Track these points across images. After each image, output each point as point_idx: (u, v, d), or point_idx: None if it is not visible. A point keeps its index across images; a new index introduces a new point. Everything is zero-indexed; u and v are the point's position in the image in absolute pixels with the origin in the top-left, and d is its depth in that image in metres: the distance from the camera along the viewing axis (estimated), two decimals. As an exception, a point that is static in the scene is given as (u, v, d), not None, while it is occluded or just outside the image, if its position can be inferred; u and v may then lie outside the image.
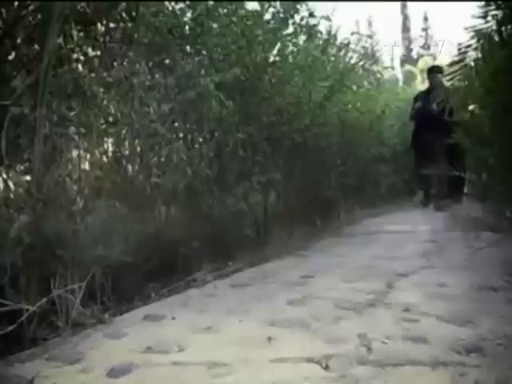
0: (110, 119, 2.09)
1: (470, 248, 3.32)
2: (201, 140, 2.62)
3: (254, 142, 3.16)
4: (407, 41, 28.47)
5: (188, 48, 2.40)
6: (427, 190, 6.96)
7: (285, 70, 3.36)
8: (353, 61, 5.95)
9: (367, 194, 7.18)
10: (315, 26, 3.60)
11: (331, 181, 5.49)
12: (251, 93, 3.05)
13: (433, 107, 6.24)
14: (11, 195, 1.60)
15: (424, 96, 6.88)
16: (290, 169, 4.25)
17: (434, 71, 6.89)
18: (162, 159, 2.36)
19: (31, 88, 1.60)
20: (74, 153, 1.92)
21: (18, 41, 1.58)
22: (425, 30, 28.81)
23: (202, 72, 2.31)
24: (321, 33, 3.81)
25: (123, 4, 2.05)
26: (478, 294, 2.22)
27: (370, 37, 12.06)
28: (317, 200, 5.15)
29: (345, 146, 5.46)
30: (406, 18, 27.81)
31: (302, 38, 3.56)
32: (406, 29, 28.59)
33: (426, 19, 28.25)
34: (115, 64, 2.07)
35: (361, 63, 5.65)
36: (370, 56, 9.10)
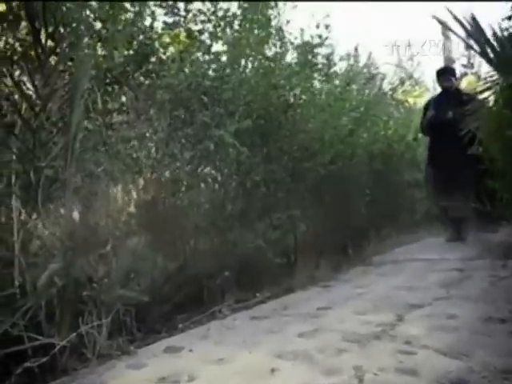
0: (136, 169, 2.33)
1: (494, 277, 3.37)
2: (222, 182, 2.84)
3: (276, 179, 3.35)
4: (450, 62, 28.20)
5: (205, 99, 2.63)
6: (453, 222, 5.79)
7: (306, 109, 3.55)
8: (386, 89, 6.13)
9: (402, 220, 7.23)
10: (334, 66, 3.79)
11: (361, 209, 5.60)
12: (272, 133, 3.25)
13: (449, 115, 5.23)
14: (45, 243, 1.85)
15: (437, 102, 5.67)
16: (318, 199, 4.41)
17: (446, 73, 5.79)
18: (187, 201, 2.58)
19: (63, 149, 1.86)
20: (103, 200, 2.17)
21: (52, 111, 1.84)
22: (467, 48, 28.33)
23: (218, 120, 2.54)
24: (337, 74, 3.99)
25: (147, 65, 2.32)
26: (485, 325, 2.30)
27: (410, 59, 12.03)
28: (348, 228, 5.27)
29: (376, 174, 5.59)
30: (446, 38, 27.59)
31: (321, 79, 3.75)
32: (447, 50, 28.34)
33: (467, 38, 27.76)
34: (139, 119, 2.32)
35: (390, 93, 5.81)
36: (408, 80, 9.19)
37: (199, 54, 3.09)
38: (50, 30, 1.78)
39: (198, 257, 2.93)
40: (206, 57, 2.83)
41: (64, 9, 1.78)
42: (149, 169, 2.37)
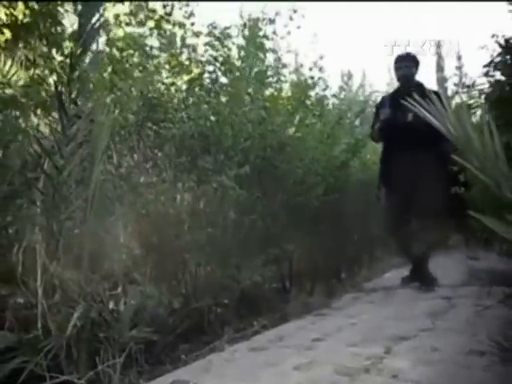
0: (143, 212, 2.53)
1: (479, 306, 3.57)
2: (222, 221, 3.04)
3: (272, 214, 3.56)
4: (442, 80, 28.64)
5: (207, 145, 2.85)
6: (412, 259, 4.74)
7: (300, 147, 3.78)
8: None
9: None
10: (327, 105, 4.02)
11: (354, 234, 5.82)
12: (268, 171, 3.47)
13: (409, 117, 3.99)
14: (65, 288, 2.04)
15: (393, 100, 4.26)
16: (312, 228, 4.62)
17: (403, 60, 4.31)
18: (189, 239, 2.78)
19: (83, 203, 2.05)
20: (115, 245, 2.37)
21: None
22: (458, 68, 28.82)
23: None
24: (330, 111, 4.23)
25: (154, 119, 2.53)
26: (465, 359, 2.49)
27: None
28: (341, 254, 5.48)
29: (366, 199, 5.80)
30: (439, 57, 28.04)
31: (314, 118, 3.98)
32: (440, 68, 28.80)
33: (459, 58, 28.29)
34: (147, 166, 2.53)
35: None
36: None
37: (202, 94, 3.30)
38: (73, 95, 1.99)
39: (199, 290, 3.12)
40: (206, 105, 3.05)
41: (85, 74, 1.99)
42: (155, 212, 2.57)
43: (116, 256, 2.40)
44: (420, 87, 4.20)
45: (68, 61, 2.23)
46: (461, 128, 1.59)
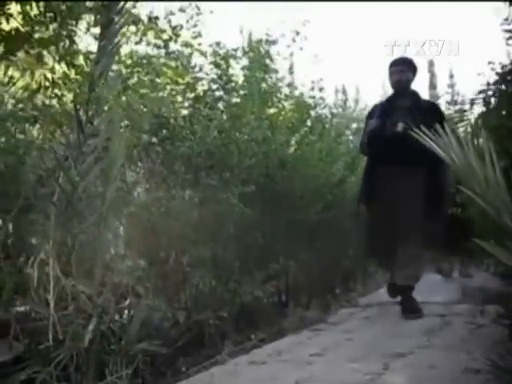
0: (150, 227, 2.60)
1: (473, 325, 3.65)
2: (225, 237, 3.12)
3: (273, 231, 3.64)
4: (435, 98, 29.02)
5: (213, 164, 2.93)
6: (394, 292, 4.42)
7: (300, 165, 3.87)
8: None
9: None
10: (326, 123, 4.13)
11: (349, 250, 5.91)
12: (270, 189, 3.55)
13: (398, 127, 3.66)
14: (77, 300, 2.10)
15: (383, 109, 3.91)
16: (309, 243, 4.70)
17: (398, 64, 3.89)
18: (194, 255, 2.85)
19: (97, 218, 2.12)
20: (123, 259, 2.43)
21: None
22: (451, 86, 29.27)
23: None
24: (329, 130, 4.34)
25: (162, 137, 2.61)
26: (461, 376, 2.56)
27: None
28: (336, 269, 5.56)
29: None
30: (432, 75, 28.44)
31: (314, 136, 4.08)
32: (432, 86, 29.18)
33: (451, 76, 28.70)
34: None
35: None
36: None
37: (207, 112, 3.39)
38: (90, 114, 2.06)
39: (201, 304, 3.18)
40: (210, 123, 3.13)
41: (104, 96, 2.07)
42: (161, 227, 2.64)
43: (123, 269, 2.46)
44: (415, 96, 3.95)
45: (80, 77, 2.31)
46: (463, 157, 1.67)
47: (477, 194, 1.60)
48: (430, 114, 3.60)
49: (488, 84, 3.51)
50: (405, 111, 3.78)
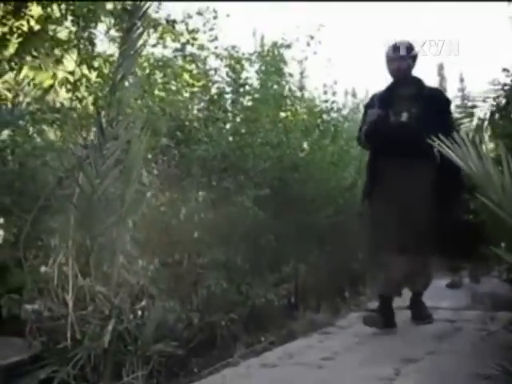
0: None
1: (483, 331, 3.65)
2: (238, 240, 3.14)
3: (285, 234, 3.66)
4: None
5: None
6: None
7: (312, 168, 3.89)
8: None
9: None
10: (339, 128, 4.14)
11: (358, 254, 5.91)
12: (283, 192, 3.57)
13: (403, 117, 3.36)
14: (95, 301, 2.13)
15: (384, 98, 3.54)
16: (319, 247, 4.71)
17: (398, 51, 3.57)
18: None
19: (116, 220, 2.14)
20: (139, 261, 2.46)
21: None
22: (461, 90, 29.27)
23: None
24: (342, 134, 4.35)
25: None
26: (472, 382, 2.57)
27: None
28: (346, 272, 5.56)
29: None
30: (442, 79, 28.35)
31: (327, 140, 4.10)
32: (443, 89, 29.24)
33: (461, 80, 28.60)
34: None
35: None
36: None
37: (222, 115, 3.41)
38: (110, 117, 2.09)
39: (213, 306, 3.21)
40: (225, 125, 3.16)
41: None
42: (175, 230, 2.67)
43: (138, 271, 2.48)
44: (418, 83, 3.60)
45: (100, 80, 2.34)
46: (481, 165, 1.68)
47: (493, 201, 1.61)
48: (434, 101, 3.44)
49: (502, 87, 3.49)
50: (408, 100, 3.46)
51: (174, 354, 2.75)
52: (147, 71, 3.06)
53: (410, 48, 3.66)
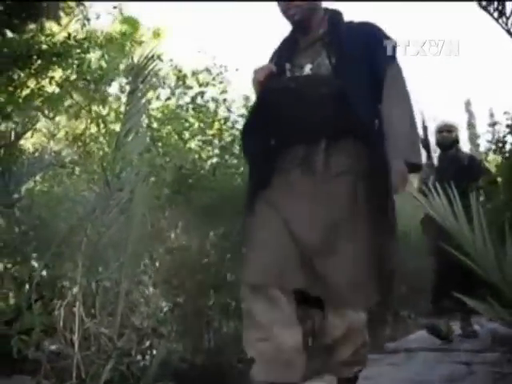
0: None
1: (498, 374, 3.60)
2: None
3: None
4: (473, 137, 28.57)
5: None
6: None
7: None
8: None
9: (422, 301, 7.38)
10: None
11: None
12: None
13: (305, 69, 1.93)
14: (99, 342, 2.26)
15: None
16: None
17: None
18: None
19: (120, 265, 2.30)
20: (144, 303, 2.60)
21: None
22: (492, 125, 28.73)
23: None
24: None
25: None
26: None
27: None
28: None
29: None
30: (470, 115, 28.18)
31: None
32: (471, 126, 28.83)
33: (491, 115, 28.40)
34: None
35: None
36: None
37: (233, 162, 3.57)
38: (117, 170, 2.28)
39: (222, 346, 3.30)
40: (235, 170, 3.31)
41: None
42: (183, 272, 2.80)
43: (145, 311, 2.62)
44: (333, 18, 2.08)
45: (108, 138, 2.53)
46: (457, 224, 1.74)
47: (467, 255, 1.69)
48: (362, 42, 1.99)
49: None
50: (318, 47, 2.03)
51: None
52: (159, 123, 3.26)
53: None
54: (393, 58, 1.95)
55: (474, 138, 27.35)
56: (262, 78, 2.00)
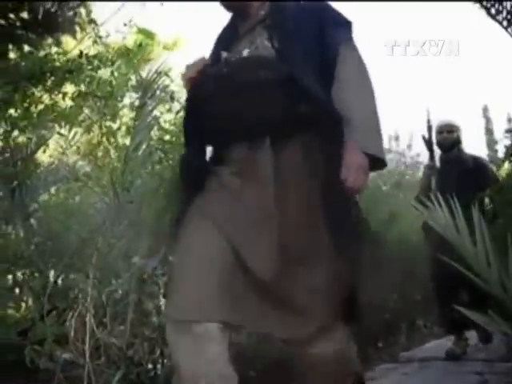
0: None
1: (510, 384, 3.57)
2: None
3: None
4: (492, 143, 28.30)
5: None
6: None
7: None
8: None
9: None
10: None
11: (390, 302, 5.86)
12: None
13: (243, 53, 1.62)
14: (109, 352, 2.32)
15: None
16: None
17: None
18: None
19: (129, 277, 2.35)
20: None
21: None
22: (510, 131, 28.42)
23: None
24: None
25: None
26: None
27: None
28: (379, 321, 5.52)
29: (409, 264, 5.87)
30: (488, 120, 27.95)
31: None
32: (489, 131, 28.58)
33: (509, 120, 28.09)
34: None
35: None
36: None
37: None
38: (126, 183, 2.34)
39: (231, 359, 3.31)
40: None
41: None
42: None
43: (156, 321, 2.66)
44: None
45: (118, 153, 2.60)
46: (459, 236, 1.76)
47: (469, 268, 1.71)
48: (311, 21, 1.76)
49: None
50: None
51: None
52: (171, 136, 3.32)
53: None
54: (348, 37, 1.67)
55: (492, 143, 27.11)
56: (195, 74, 1.64)
